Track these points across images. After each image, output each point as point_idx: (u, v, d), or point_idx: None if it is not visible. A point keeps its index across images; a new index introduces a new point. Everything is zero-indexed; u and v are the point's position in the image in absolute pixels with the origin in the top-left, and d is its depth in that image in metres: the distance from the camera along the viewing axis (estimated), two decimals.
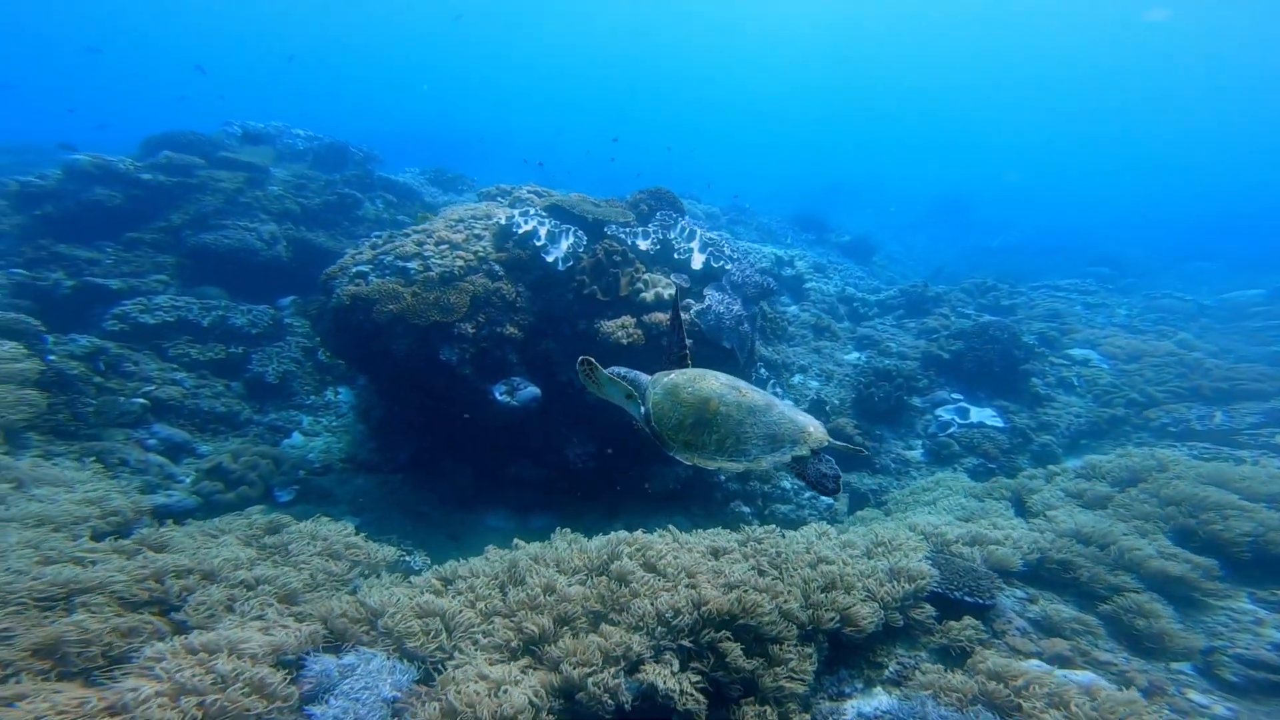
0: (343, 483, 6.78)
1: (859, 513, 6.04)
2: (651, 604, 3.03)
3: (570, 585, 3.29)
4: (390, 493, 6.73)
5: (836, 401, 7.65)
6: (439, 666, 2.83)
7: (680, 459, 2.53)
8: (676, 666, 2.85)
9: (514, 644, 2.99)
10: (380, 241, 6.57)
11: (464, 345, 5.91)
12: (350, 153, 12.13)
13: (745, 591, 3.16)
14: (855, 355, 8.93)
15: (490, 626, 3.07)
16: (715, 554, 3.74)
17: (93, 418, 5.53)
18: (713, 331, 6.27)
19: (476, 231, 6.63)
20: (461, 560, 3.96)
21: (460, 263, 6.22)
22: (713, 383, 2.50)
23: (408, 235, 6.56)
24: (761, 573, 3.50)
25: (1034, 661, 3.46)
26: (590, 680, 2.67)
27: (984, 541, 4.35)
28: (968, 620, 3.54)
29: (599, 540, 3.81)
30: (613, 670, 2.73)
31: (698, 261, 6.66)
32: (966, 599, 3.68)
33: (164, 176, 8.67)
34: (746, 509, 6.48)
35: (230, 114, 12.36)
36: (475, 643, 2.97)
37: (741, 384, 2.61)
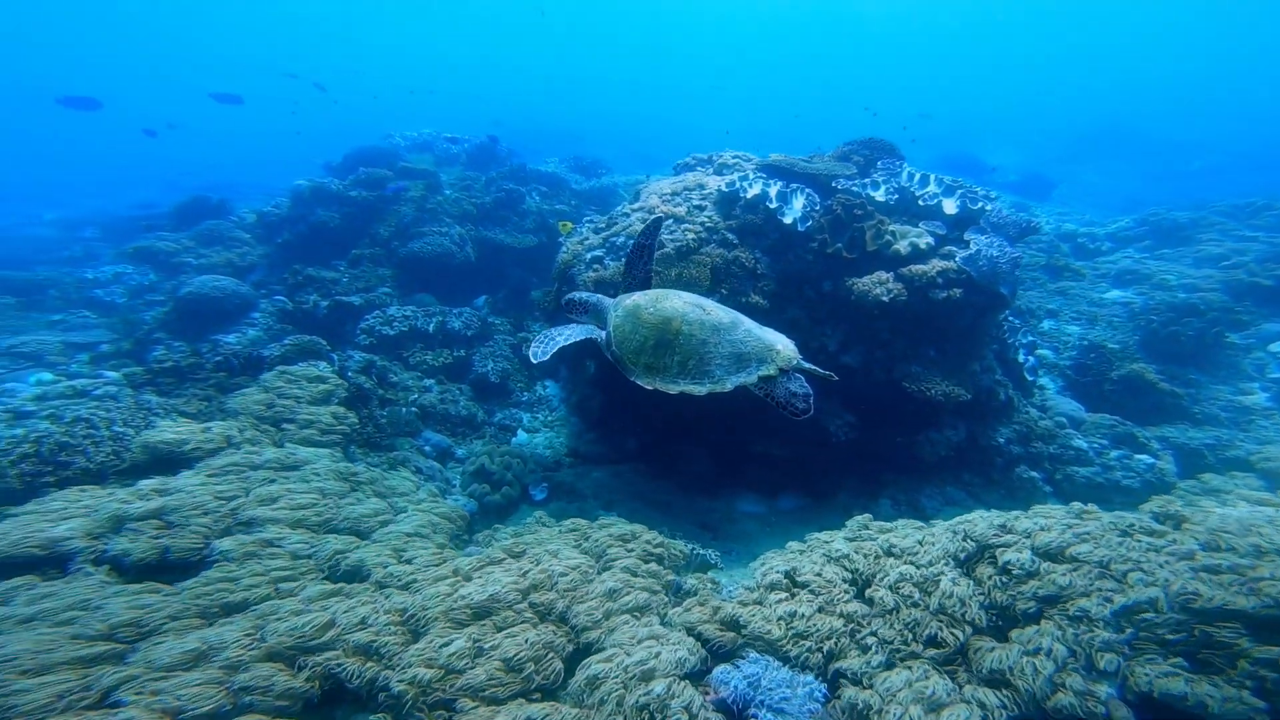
0: (580, 477, 7.03)
1: (1203, 477, 5.14)
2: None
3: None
4: (627, 483, 6.88)
5: (1116, 346, 6.63)
6: (831, 676, 2.69)
7: (642, 384, 2.36)
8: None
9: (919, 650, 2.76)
10: (603, 224, 6.61)
11: None
12: (497, 150, 12.59)
13: None
14: (1118, 293, 7.72)
15: (864, 633, 2.88)
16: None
17: (387, 428, 6.12)
18: (986, 277, 5.62)
19: (696, 202, 6.46)
20: (783, 554, 3.82)
21: (691, 235, 6.08)
22: (676, 302, 2.36)
23: (628, 215, 6.54)
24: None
25: None
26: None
27: None
28: None
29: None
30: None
31: (950, 206, 5.98)
32: None
33: (365, 192, 9.49)
34: (1035, 474, 5.83)
35: (388, 125, 13.27)
36: (865, 649, 2.79)
37: (707, 302, 2.43)
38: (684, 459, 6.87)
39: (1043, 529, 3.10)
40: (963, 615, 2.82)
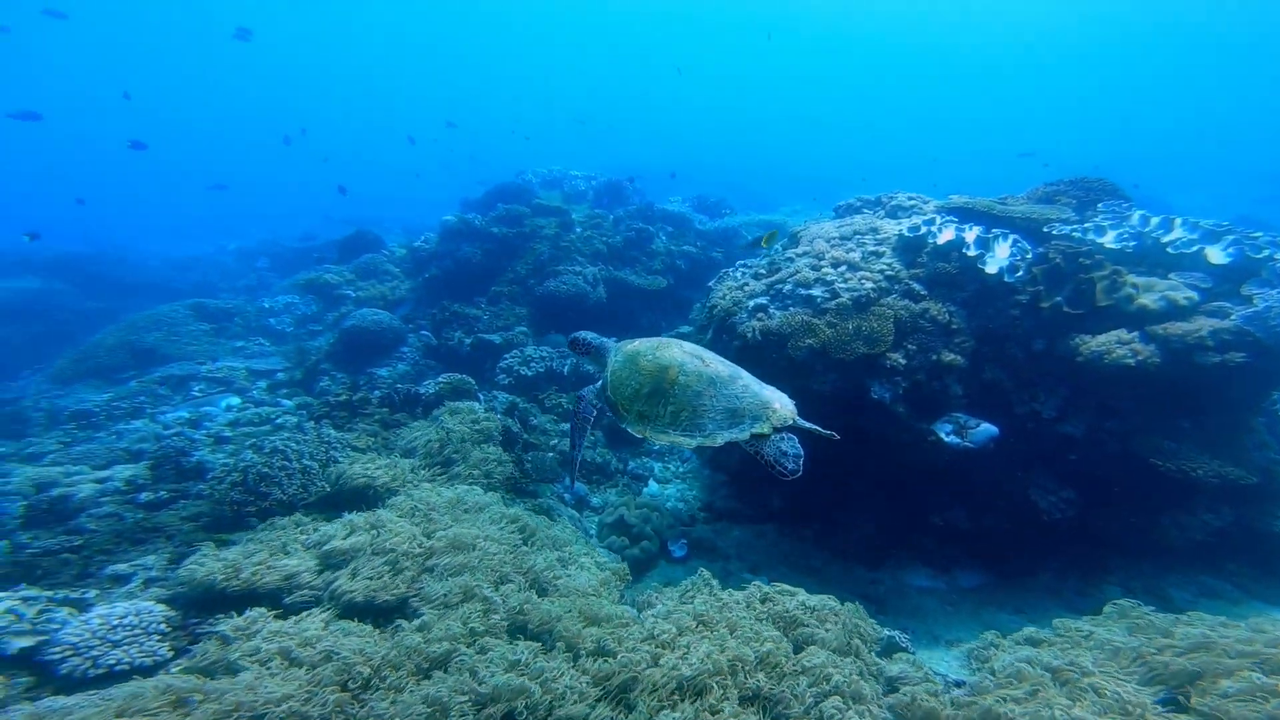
0: (719, 534, 6.60)
1: None
2: None
3: None
4: (771, 545, 6.35)
5: None
6: None
7: (633, 432, 2.41)
8: None
9: None
10: (763, 270, 6.27)
11: (896, 379, 5.20)
12: (624, 188, 12.87)
13: None
14: None
15: None
16: None
17: (532, 473, 6.05)
18: (1278, 339, 4.54)
19: (870, 248, 5.94)
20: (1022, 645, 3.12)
21: (869, 285, 5.56)
22: (676, 351, 2.38)
23: (792, 260, 6.15)
24: None
25: None
26: None
27: None
28: None
29: None
30: None
31: (1215, 255, 4.98)
32: None
33: (505, 229, 9.95)
34: None
35: (523, 162, 14.08)
36: None
37: (708, 354, 2.42)
38: (840, 523, 6.23)
39: None
40: None
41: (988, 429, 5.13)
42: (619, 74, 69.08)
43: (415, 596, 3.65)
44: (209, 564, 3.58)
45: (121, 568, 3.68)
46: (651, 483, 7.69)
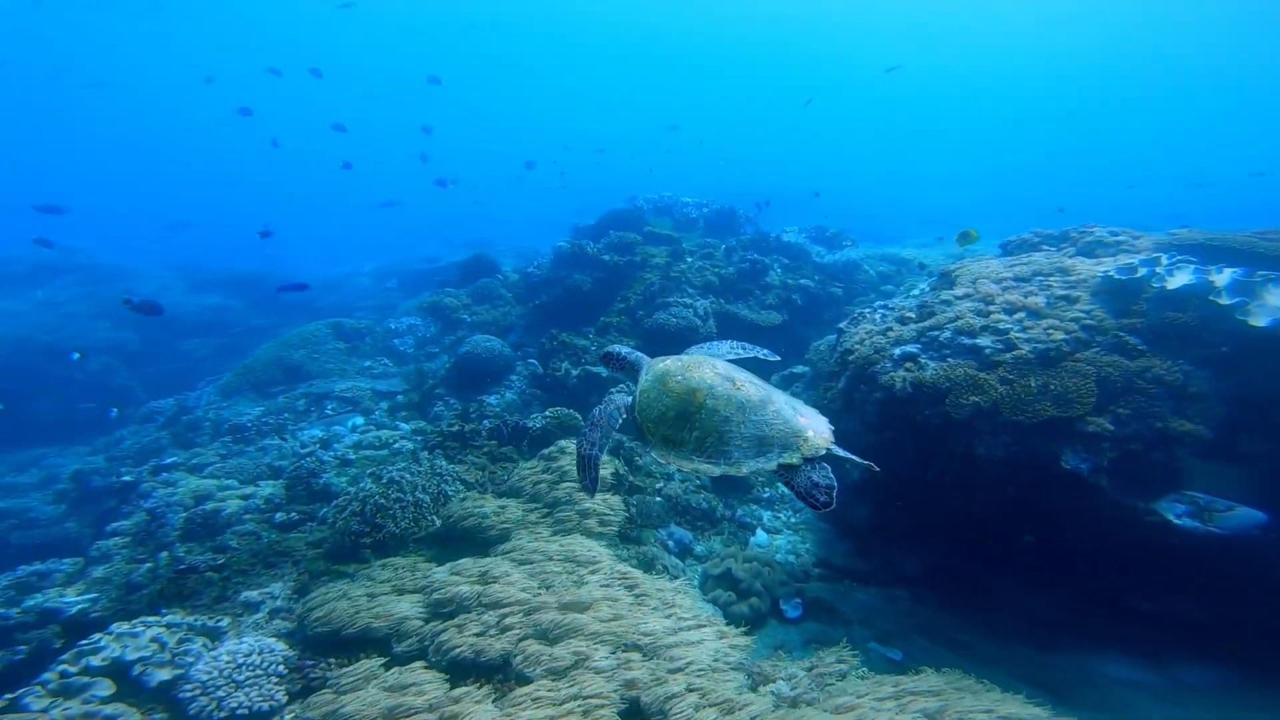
0: (840, 596, 5.86)
1: None
2: None
3: None
4: (905, 613, 5.51)
5: None
6: None
7: (656, 457, 2.35)
8: None
9: None
10: (911, 313, 5.47)
11: (1101, 447, 4.20)
12: (737, 216, 12.43)
13: None
14: None
15: None
16: None
17: (638, 519, 5.70)
18: None
19: (1059, 292, 4.94)
20: None
21: (1060, 336, 4.58)
22: (706, 372, 2.30)
23: (949, 304, 5.30)
24: None
25: None
26: None
27: None
28: None
29: None
30: None
31: None
32: None
33: (616, 256, 9.89)
34: None
35: (633, 187, 14.18)
36: None
37: (741, 375, 2.34)
38: (1002, 597, 5.23)
39: None
40: None
41: (1249, 514, 3.99)
42: (732, 101, 69.53)
43: (521, 657, 3.39)
44: (328, 605, 3.58)
45: (253, 595, 3.80)
46: (760, 532, 7.08)
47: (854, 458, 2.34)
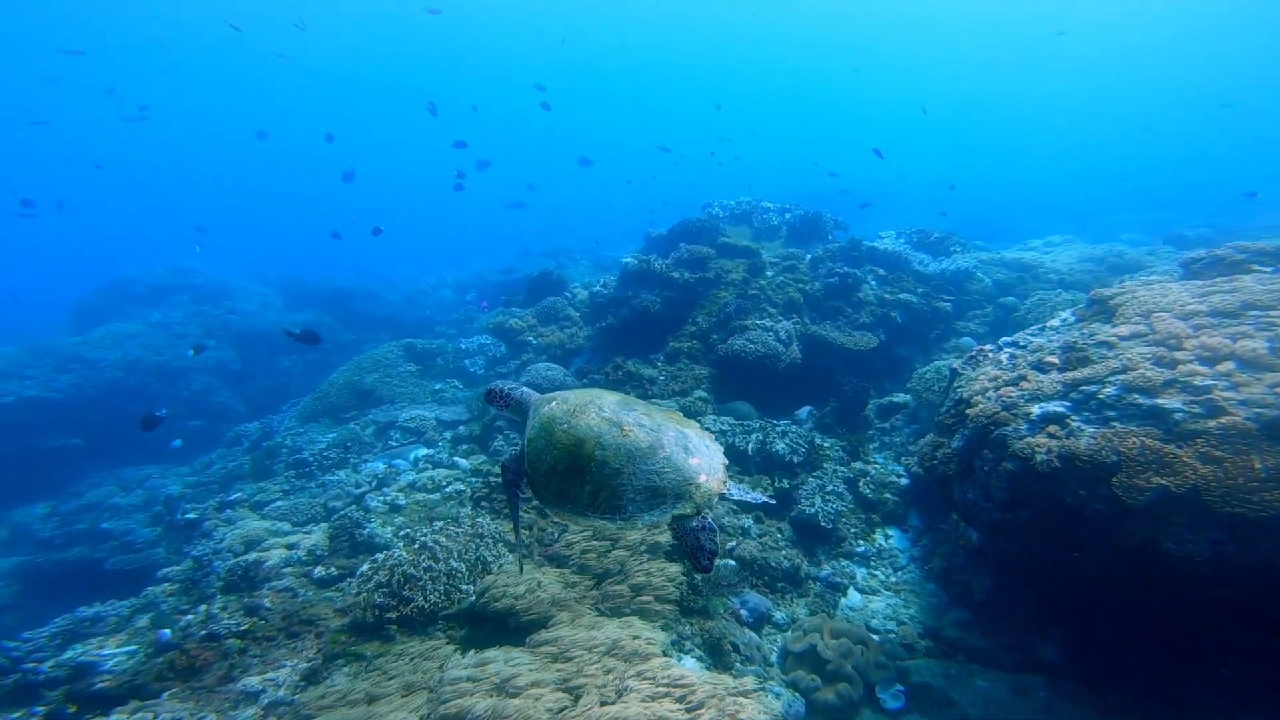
0: (954, 682, 4.83)
1: None
2: None
3: None
4: (1041, 709, 4.42)
5: None
6: None
7: (551, 515, 2.40)
8: None
9: None
10: (1054, 356, 4.24)
11: None
12: (823, 222, 11.22)
13: None
14: None
15: None
16: None
17: (702, 585, 4.96)
18: None
19: None
20: None
21: None
22: (593, 418, 2.13)
23: (1111, 346, 4.03)
24: None
25: None
26: None
27: None
28: None
29: None
30: None
31: None
32: None
33: (687, 273, 9.16)
34: None
35: (709, 194, 13.35)
36: None
37: (629, 417, 2.18)
38: (1174, 701, 3.92)
39: None
40: None
41: None
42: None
43: None
44: (323, 714, 3.21)
45: (254, 682, 3.56)
46: (853, 593, 6.08)
47: (751, 498, 2.28)
